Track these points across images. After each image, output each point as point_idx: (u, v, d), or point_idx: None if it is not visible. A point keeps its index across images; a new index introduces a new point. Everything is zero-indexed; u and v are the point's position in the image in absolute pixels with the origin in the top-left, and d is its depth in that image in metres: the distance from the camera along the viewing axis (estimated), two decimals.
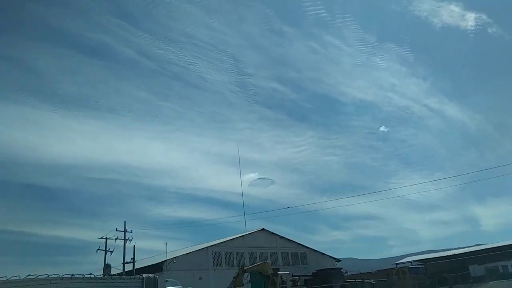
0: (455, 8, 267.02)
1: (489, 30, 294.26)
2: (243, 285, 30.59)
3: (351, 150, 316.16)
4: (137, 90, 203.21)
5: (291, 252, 52.05)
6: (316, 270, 44.55)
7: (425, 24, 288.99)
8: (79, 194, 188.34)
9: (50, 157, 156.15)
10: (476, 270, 54.58)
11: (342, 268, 48.08)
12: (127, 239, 35.95)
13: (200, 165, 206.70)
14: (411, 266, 54.52)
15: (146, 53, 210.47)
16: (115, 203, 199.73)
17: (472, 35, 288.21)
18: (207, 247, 44.69)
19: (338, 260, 57.05)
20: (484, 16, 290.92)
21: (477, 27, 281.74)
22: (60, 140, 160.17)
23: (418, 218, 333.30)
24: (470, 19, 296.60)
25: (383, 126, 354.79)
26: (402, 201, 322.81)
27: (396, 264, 77.88)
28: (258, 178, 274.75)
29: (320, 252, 55.63)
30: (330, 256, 56.64)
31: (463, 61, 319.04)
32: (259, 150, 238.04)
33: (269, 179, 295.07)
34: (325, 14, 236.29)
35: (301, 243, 54.07)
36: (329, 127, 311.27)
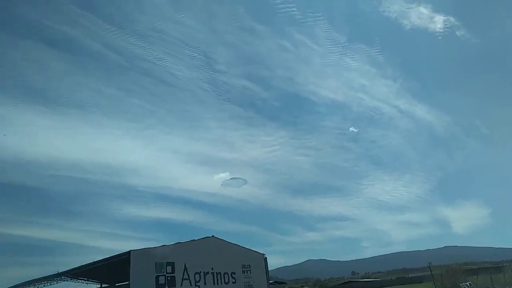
0: (424, 10, 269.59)
1: (457, 33, 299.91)
2: None
3: (322, 151, 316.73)
4: (105, 86, 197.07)
5: None
6: None
7: (395, 25, 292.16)
8: (45, 192, 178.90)
9: (13, 154, 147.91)
10: None
11: None
12: None
13: (170, 164, 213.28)
14: None
15: (114, 48, 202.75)
16: (83, 202, 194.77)
17: (440, 37, 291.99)
18: None
19: None
20: (452, 19, 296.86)
21: (446, 29, 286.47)
22: (23, 136, 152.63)
23: (389, 219, 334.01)
24: (439, 22, 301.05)
25: (353, 127, 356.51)
26: (374, 203, 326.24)
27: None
28: (231, 178, 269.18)
29: None
30: None
31: (431, 62, 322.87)
32: (231, 149, 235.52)
33: (241, 179, 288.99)
34: (296, 13, 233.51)
35: None
36: (300, 127, 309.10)
